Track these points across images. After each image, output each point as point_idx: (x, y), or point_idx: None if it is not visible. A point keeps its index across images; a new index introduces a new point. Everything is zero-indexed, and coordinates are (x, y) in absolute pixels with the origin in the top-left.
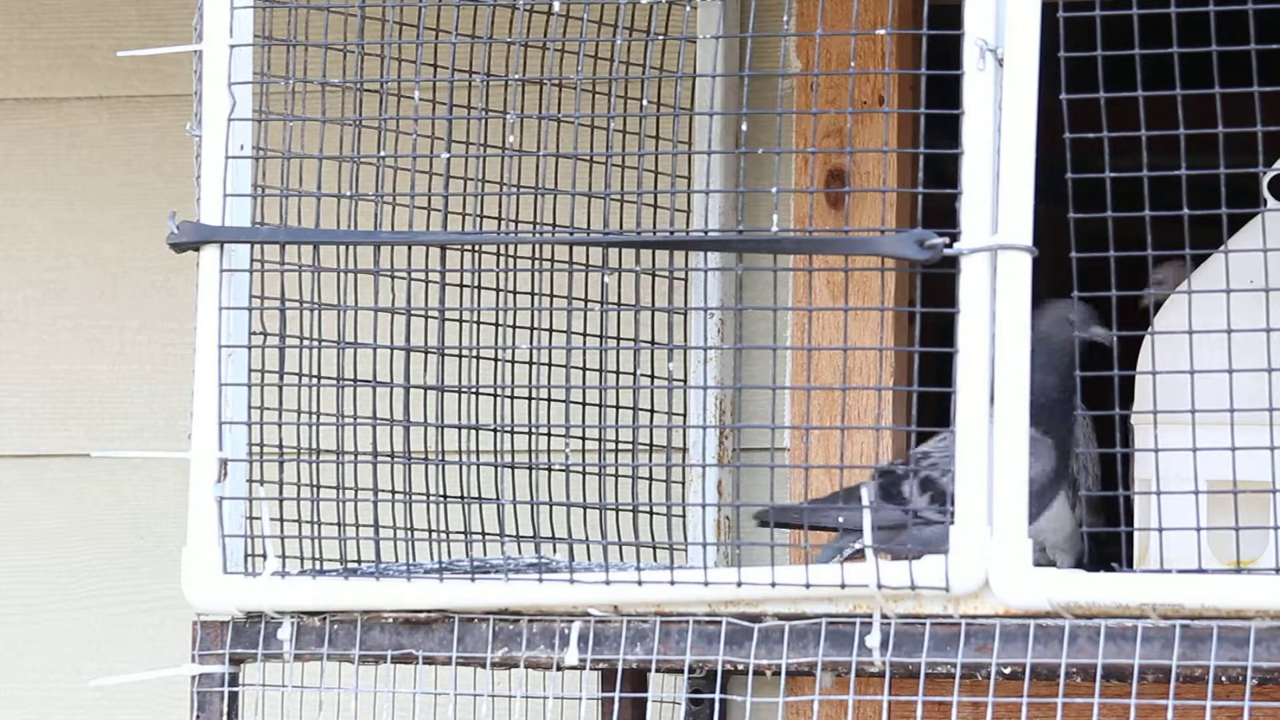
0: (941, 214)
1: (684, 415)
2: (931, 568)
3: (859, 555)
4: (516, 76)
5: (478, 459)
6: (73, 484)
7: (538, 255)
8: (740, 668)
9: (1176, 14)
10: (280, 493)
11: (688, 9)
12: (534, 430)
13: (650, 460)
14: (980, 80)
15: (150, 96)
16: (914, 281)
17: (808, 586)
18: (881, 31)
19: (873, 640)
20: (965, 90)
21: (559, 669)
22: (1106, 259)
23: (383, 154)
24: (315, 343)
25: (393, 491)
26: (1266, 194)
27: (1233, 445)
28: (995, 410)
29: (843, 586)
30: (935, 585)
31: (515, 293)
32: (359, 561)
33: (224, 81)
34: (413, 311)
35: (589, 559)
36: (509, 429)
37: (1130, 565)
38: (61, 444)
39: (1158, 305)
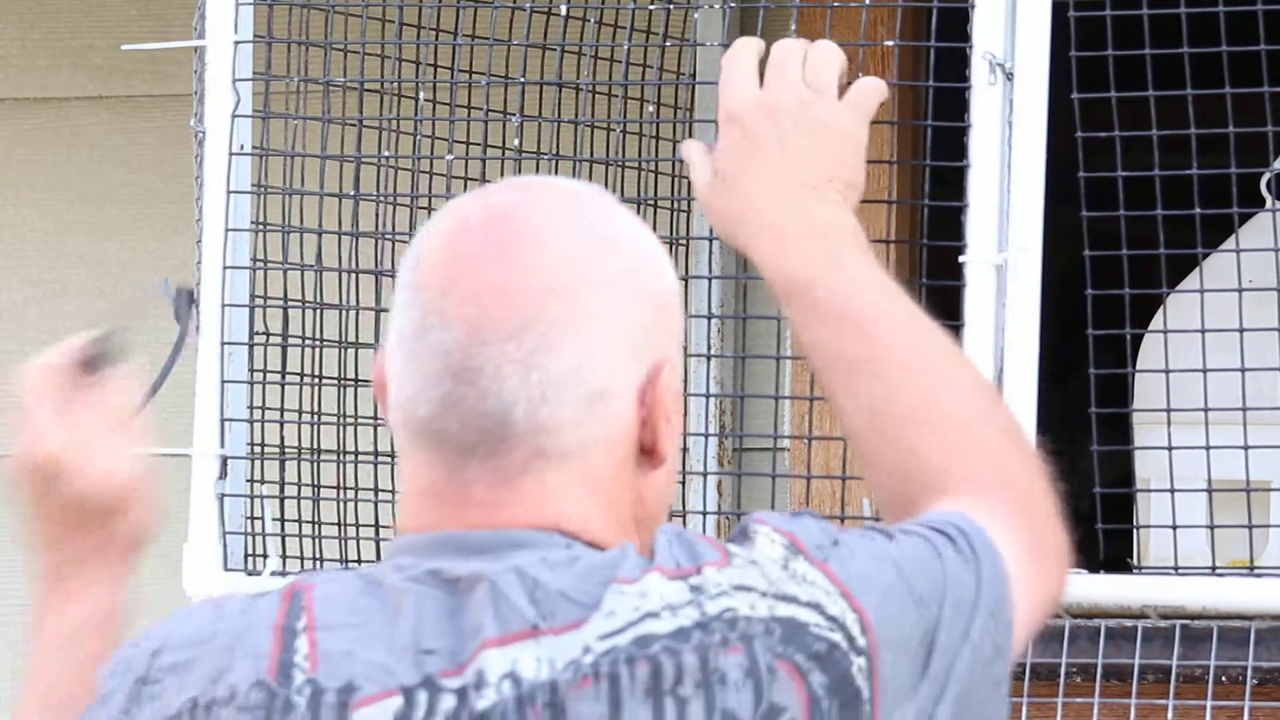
0: (944, 217)
1: (684, 416)
2: None
3: None
4: (519, 79)
5: None
6: None
7: None
8: None
9: (1186, 14)
10: (281, 491)
11: (696, 16)
12: None
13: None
14: (989, 95)
15: (150, 96)
16: (918, 292)
17: None
18: (889, 43)
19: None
20: (974, 105)
21: None
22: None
23: (385, 154)
24: (316, 342)
25: (393, 491)
26: (1265, 193)
27: (1241, 445)
28: None
29: None
30: None
31: None
32: (359, 561)
33: (228, 78)
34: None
35: None
36: None
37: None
38: None
39: None
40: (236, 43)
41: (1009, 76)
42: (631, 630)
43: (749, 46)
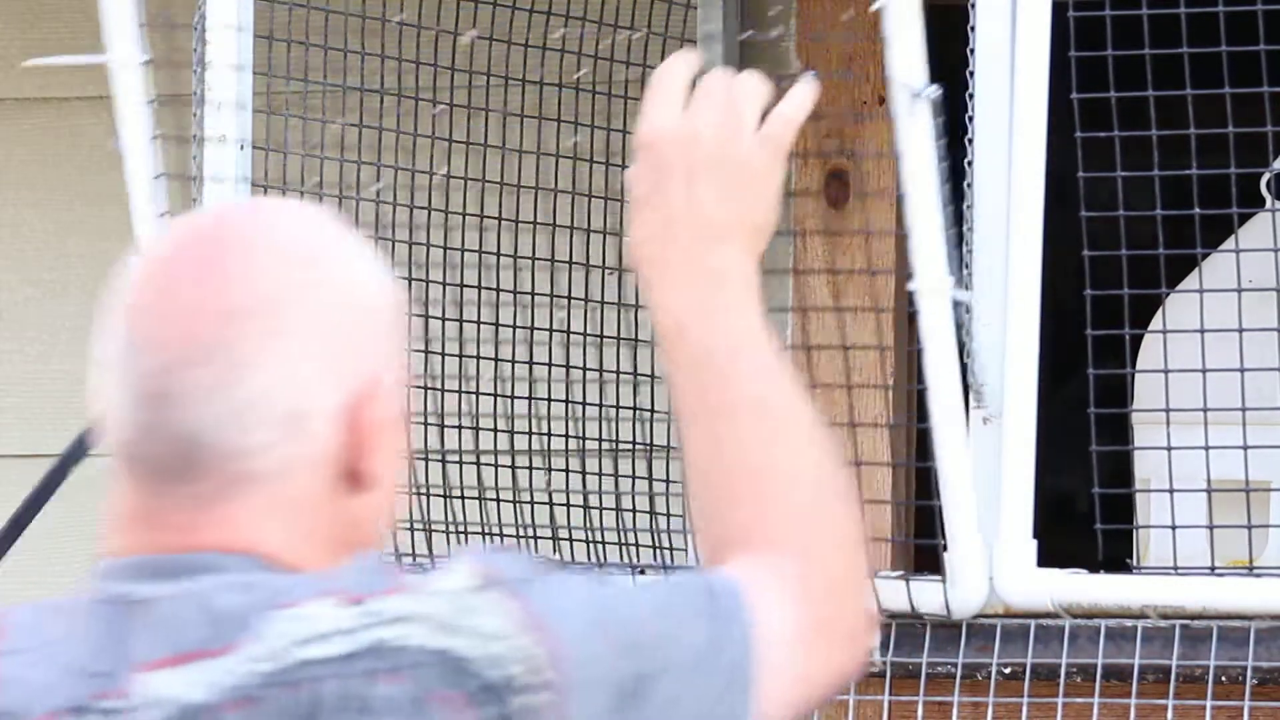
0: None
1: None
2: (932, 593)
3: None
4: (518, 78)
5: (477, 459)
6: (73, 484)
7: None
8: None
9: (1186, 15)
10: None
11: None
12: (533, 431)
13: (651, 461)
14: (912, 124)
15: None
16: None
17: None
18: (810, 72)
19: (873, 640)
20: (899, 135)
21: None
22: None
23: (382, 163)
24: None
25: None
26: (1265, 193)
27: (1241, 445)
28: (1003, 419)
29: None
30: (938, 613)
31: (515, 292)
32: None
33: (140, 98)
34: (412, 314)
35: (588, 558)
36: (509, 430)
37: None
38: (62, 444)
39: None
40: (144, 63)
41: (932, 103)
42: (289, 654)
43: (679, 68)
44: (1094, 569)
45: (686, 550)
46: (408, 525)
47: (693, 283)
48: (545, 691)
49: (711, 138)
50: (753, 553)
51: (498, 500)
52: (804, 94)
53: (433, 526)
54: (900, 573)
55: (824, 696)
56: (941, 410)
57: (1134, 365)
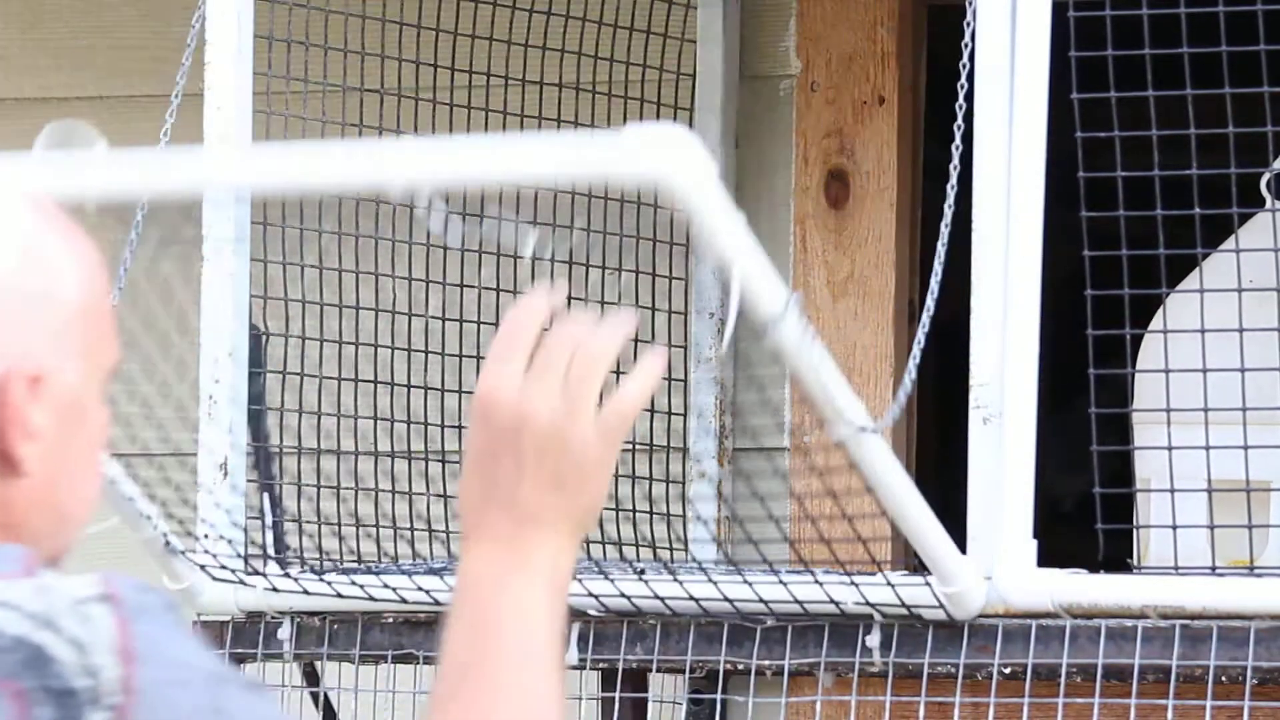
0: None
1: (684, 415)
2: (931, 605)
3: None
4: (517, 77)
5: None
6: None
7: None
8: (741, 668)
9: (1186, 15)
10: (280, 492)
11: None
12: None
13: (650, 460)
14: (784, 333)
15: (150, 96)
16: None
17: (805, 612)
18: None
19: (873, 640)
20: (778, 343)
21: None
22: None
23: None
24: (319, 340)
25: (393, 491)
26: (1265, 193)
27: (1241, 445)
28: (1003, 419)
29: (844, 615)
30: (941, 619)
31: (515, 294)
32: (359, 561)
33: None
34: (413, 314)
35: (588, 556)
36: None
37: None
38: None
39: None
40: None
41: (799, 305)
42: None
43: (530, 315)
44: (1094, 569)
45: (686, 551)
46: (416, 529)
47: (500, 558)
48: (106, 712)
49: (545, 421)
50: None
51: None
52: (648, 372)
53: (420, 530)
54: (901, 573)
55: None
56: (890, 495)
57: (1134, 365)
